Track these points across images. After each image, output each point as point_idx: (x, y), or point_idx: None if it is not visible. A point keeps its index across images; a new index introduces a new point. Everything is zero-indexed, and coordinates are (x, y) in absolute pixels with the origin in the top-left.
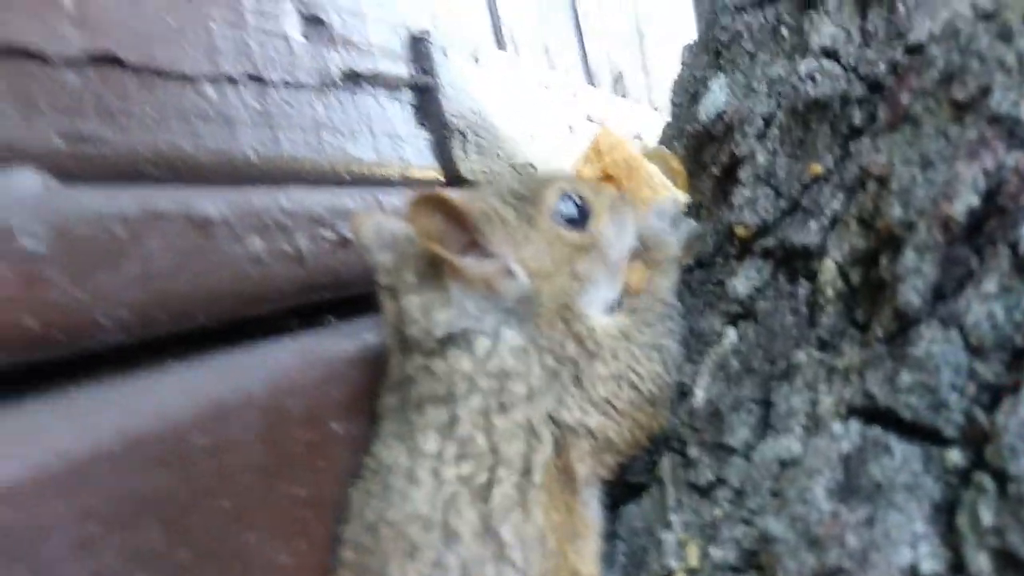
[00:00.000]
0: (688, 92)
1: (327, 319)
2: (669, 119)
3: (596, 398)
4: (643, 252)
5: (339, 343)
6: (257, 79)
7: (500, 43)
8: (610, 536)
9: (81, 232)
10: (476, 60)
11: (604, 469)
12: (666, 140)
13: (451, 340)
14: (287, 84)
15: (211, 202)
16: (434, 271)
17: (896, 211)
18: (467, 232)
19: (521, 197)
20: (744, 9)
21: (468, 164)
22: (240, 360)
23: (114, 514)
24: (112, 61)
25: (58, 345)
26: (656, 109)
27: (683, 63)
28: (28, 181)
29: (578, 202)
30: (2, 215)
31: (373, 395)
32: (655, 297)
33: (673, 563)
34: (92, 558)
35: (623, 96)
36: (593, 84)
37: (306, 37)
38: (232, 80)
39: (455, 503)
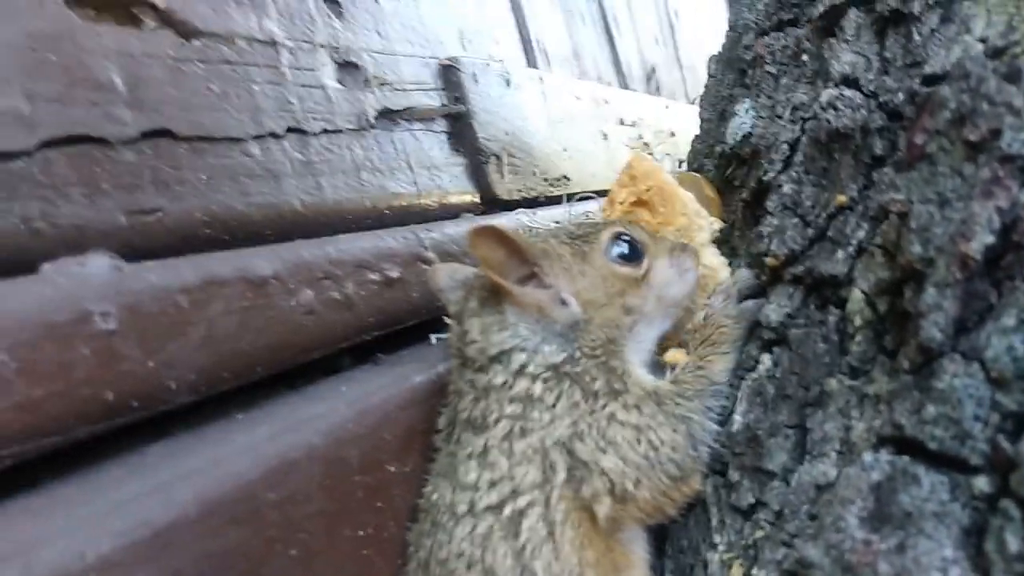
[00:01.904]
0: (716, 109)
1: (377, 357)
2: (698, 132)
3: (610, 437)
4: (702, 328)
5: (389, 389)
6: (298, 131)
7: (530, 55)
8: (658, 553)
9: (149, 307)
10: (507, 82)
11: (632, 520)
12: (696, 155)
13: (498, 358)
14: (326, 131)
15: (265, 260)
16: (495, 299)
17: (916, 248)
18: (526, 265)
19: (577, 237)
20: (766, 32)
21: (504, 185)
22: (300, 413)
23: (195, 573)
24: (164, 134)
25: (133, 412)
26: (692, 102)
27: (710, 75)
28: (99, 264)
29: (631, 242)
30: (79, 300)
31: (423, 433)
32: (706, 375)
33: None
34: None
35: (657, 91)
36: (626, 84)
37: (341, 83)
38: (275, 135)
39: (490, 539)
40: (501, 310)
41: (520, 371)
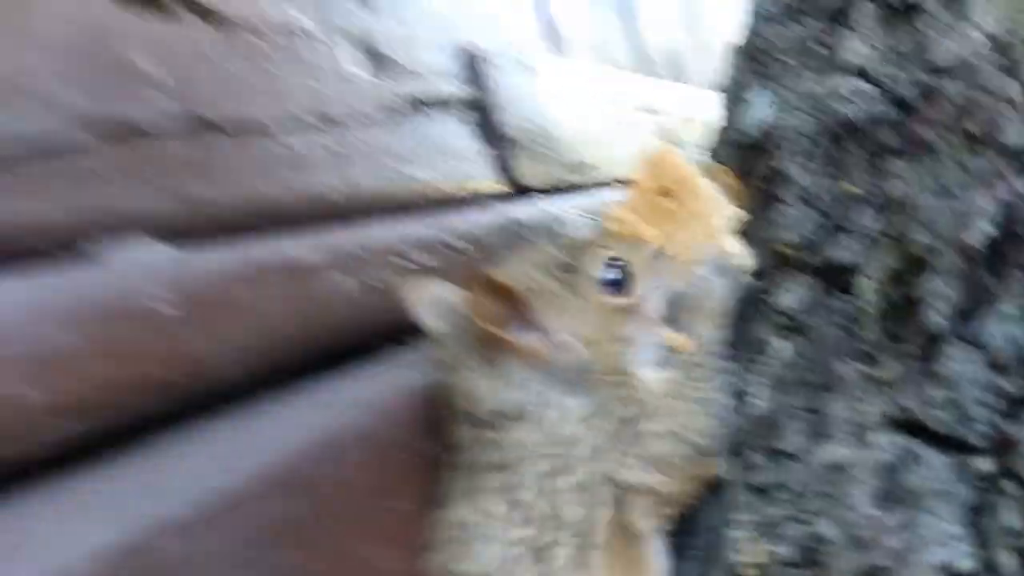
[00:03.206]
0: (734, 97)
1: (408, 340)
2: (719, 120)
3: (655, 454)
4: (692, 305)
5: (430, 372)
6: (328, 120)
7: (551, 40)
8: (687, 532)
9: (204, 292)
10: (529, 70)
11: (663, 520)
12: (716, 143)
13: (517, 416)
14: (355, 120)
15: (309, 249)
16: (493, 350)
17: (920, 237)
18: (520, 310)
19: (566, 268)
20: (778, 20)
21: (527, 174)
22: (347, 394)
23: (262, 539)
24: (207, 125)
25: (193, 391)
26: (716, 89)
27: (729, 63)
28: (156, 251)
29: (619, 266)
30: (139, 286)
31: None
32: (703, 352)
33: (741, 559)
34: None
35: (680, 77)
36: (648, 69)
37: (368, 72)
38: (308, 126)
39: (518, 564)
40: (503, 365)
41: (556, 426)
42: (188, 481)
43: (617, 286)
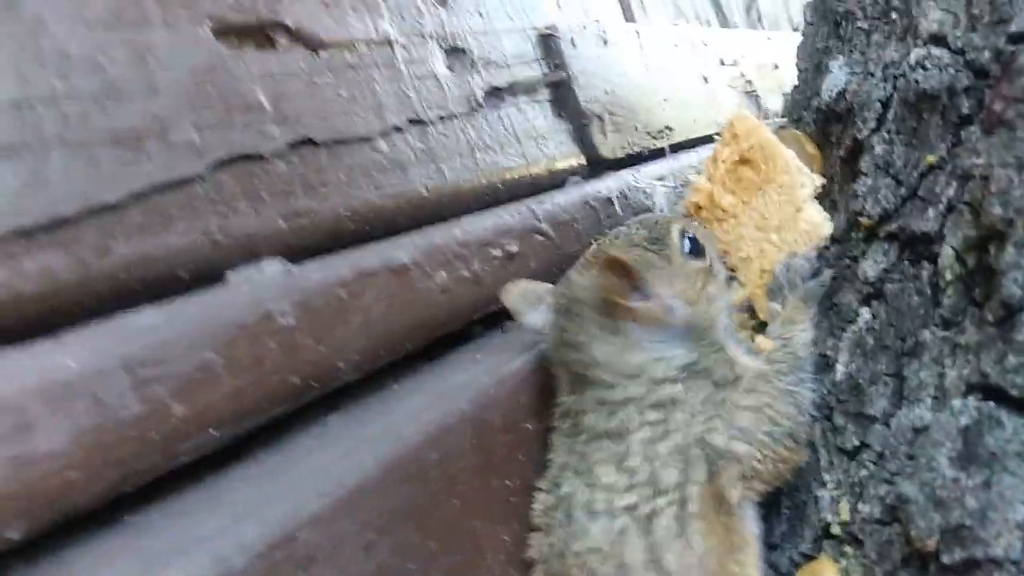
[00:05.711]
0: (812, 60)
1: (504, 324)
2: (796, 83)
3: (739, 424)
4: (782, 311)
5: (522, 356)
6: (417, 122)
7: (624, 1)
8: (775, 491)
9: (316, 302)
10: (604, 41)
11: (754, 494)
12: (795, 106)
13: (635, 373)
14: (442, 118)
15: (403, 250)
16: (609, 318)
17: (996, 209)
18: (631, 281)
19: (655, 241)
20: None
21: (608, 145)
22: (448, 383)
23: (382, 523)
24: (306, 143)
25: (313, 391)
26: (795, 29)
27: (806, 22)
28: (273, 268)
29: (693, 236)
30: (262, 302)
31: (553, 392)
32: (791, 351)
33: (828, 517)
34: (374, 557)
35: (759, 20)
36: (725, 17)
37: (450, 68)
38: (398, 129)
39: (625, 536)
40: (622, 329)
41: (660, 380)
42: (318, 476)
43: (695, 254)
